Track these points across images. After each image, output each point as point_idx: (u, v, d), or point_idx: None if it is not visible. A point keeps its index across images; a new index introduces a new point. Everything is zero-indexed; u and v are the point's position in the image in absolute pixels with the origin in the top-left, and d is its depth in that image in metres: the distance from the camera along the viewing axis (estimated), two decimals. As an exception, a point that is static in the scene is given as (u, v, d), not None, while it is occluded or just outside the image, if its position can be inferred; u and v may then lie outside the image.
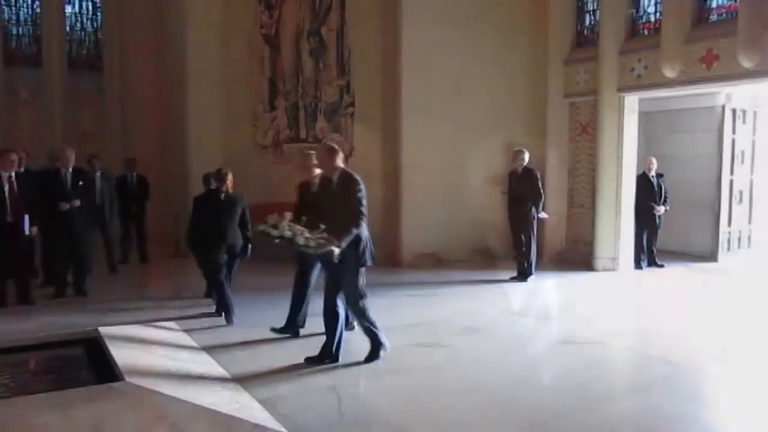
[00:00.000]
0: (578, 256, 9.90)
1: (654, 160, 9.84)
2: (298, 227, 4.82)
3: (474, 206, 10.18)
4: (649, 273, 9.39)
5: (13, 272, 7.21)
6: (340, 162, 4.95)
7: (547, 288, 8.25)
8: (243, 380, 4.61)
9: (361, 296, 5.02)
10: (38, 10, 12.73)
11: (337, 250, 4.74)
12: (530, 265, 8.65)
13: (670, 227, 10.28)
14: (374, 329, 5.10)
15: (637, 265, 9.60)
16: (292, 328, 5.81)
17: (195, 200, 6.82)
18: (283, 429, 3.77)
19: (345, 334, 5.30)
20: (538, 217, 8.73)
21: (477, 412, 4.11)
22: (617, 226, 9.45)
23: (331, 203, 4.92)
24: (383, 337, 5.15)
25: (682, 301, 7.56)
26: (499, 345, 5.63)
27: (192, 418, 3.83)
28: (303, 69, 10.82)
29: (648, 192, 9.65)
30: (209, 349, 5.36)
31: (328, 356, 5.07)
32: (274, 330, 5.76)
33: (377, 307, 7.04)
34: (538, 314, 6.76)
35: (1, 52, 12.43)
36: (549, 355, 5.35)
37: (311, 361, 5.03)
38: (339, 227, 4.77)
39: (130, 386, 4.27)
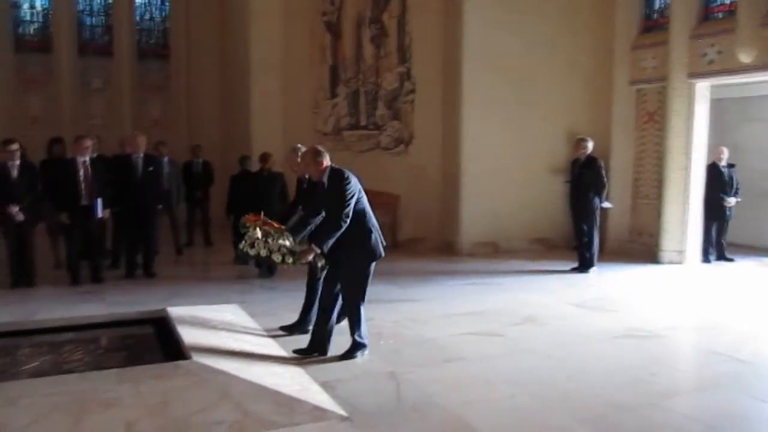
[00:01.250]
0: (642, 248, 9.63)
1: (725, 150, 9.46)
2: (280, 239, 4.65)
3: (534, 195, 10.05)
4: (717, 267, 9.06)
5: (86, 253, 7.57)
6: (327, 162, 4.75)
7: (609, 280, 8.08)
8: (303, 363, 4.71)
9: (362, 297, 4.83)
10: (110, 1, 13.20)
11: (320, 262, 4.68)
12: (592, 256, 8.49)
13: (742, 220, 9.88)
14: (360, 329, 4.87)
15: (705, 258, 9.28)
16: (299, 327, 5.50)
17: (232, 178, 8.78)
18: (342, 411, 3.85)
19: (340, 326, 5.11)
20: (600, 207, 8.55)
21: (535, 402, 4.09)
22: (684, 218, 9.15)
23: (323, 202, 4.79)
24: (366, 340, 4.93)
25: (752, 297, 7.27)
26: (558, 337, 5.56)
27: (255, 397, 3.95)
28: (364, 56, 10.86)
29: (718, 183, 9.29)
30: (271, 332, 5.50)
31: (318, 348, 4.88)
32: (283, 329, 5.52)
33: (434, 295, 7.12)
34: (600, 306, 6.63)
35: (76, 43, 12.97)
36: (610, 349, 5.24)
37: (301, 353, 4.84)
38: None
39: (196, 365, 4.44)
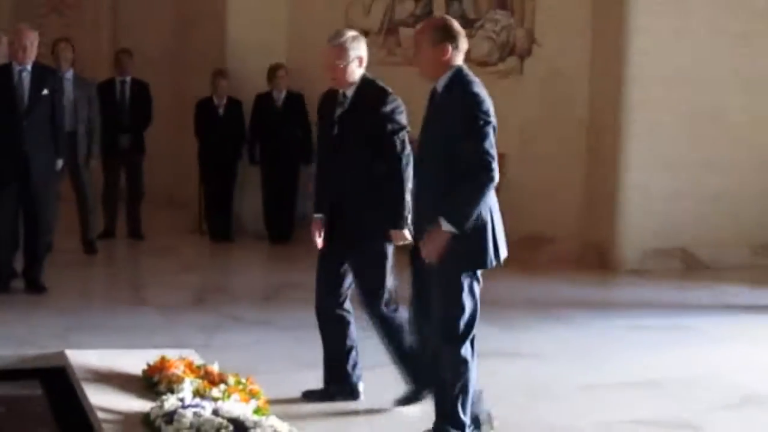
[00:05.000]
0: None
1: None
2: (226, 404, 4.83)
3: (764, 166, 9.89)
4: None
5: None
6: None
7: None
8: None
9: (469, 330, 4.92)
10: None
11: None
12: None
13: None
14: (462, 399, 4.93)
15: None
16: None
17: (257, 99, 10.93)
18: None
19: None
20: None
21: None
22: None
23: (437, 133, 4.89)
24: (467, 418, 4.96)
25: None
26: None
27: None
28: None
29: None
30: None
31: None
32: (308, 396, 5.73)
33: (569, 345, 7.10)
34: None
35: None
36: None
37: None
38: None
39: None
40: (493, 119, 4.77)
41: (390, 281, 5.49)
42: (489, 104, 4.78)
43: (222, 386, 5.11)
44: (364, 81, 5.41)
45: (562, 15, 10.24)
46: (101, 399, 5.17)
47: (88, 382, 5.44)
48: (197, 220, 11.09)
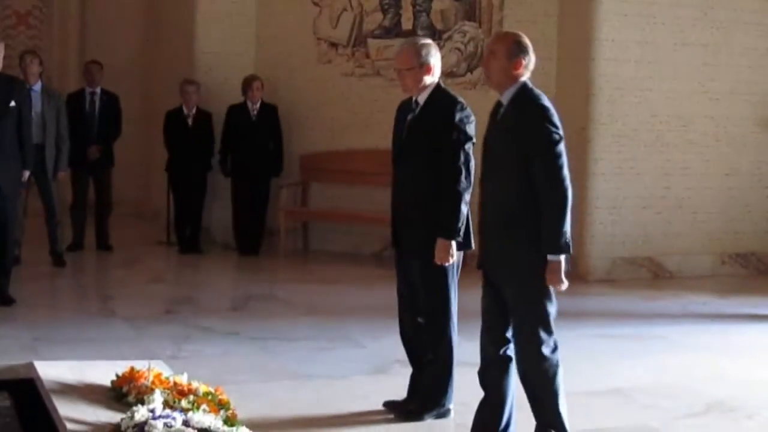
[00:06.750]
0: None
1: None
2: (196, 413, 4.85)
3: (732, 174, 10.00)
4: None
5: None
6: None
7: None
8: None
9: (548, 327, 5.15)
10: None
11: None
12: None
13: None
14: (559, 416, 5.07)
15: None
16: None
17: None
18: None
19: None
20: None
21: None
22: None
23: (506, 152, 4.95)
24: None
25: None
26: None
27: None
28: None
29: None
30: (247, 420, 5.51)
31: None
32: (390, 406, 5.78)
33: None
34: None
35: None
36: None
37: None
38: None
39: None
40: (561, 131, 4.85)
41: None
42: (557, 117, 4.87)
43: (191, 397, 5.13)
44: (437, 89, 5.49)
45: (530, 26, 10.26)
46: (70, 410, 5.16)
47: (56, 393, 5.42)
48: (166, 231, 11.11)
